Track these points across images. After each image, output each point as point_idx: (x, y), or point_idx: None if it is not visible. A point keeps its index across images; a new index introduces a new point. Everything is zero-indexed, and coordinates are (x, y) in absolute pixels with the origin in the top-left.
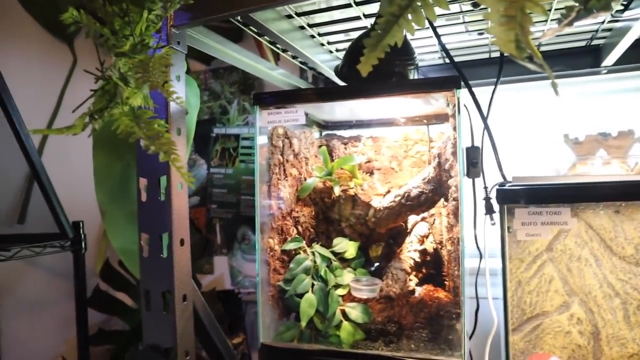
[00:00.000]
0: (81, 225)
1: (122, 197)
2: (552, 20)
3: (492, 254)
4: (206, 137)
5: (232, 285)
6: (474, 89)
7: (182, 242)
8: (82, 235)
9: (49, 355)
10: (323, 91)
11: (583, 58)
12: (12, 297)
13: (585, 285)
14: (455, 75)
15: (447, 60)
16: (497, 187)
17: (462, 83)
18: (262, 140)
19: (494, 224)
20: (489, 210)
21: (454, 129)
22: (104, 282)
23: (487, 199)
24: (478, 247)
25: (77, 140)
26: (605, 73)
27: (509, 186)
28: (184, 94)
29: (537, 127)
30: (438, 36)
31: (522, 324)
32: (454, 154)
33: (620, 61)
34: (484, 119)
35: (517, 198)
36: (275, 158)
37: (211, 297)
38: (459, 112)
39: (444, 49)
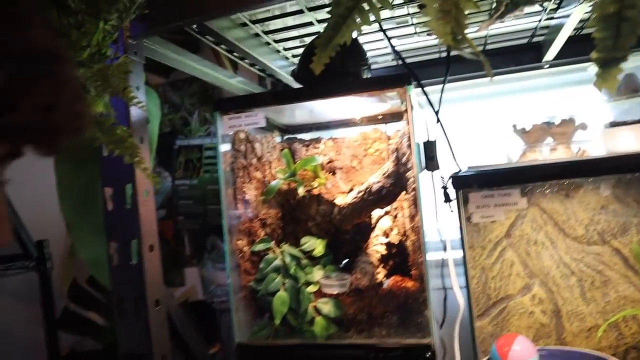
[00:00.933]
0: (45, 244)
1: (87, 209)
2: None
3: (457, 246)
4: (169, 149)
5: (205, 295)
6: (427, 88)
7: (151, 248)
8: (47, 254)
9: None
10: (280, 94)
11: (526, 54)
12: None
13: (543, 267)
14: (406, 72)
15: (400, 62)
16: (452, 175)
17: (413, 80)
18: (224, 147)
19: (452, 211)
20: (447, 198)
21: (408, 123)
22: (72, 303)
23: (445, 188)
24: (441, 239)
25: None
26: (547, 67)
27: (463, 173)
28: (144, 101)
29: (488, 120)
30: (388, 38)
31: (488, 308)
32: (410, 147)
33: (560, 56)
34: (436, 112)
35: (471, 183)
36: (239, 162)
37: (184, 309)
38: (411, 107)
39: (393, 50)
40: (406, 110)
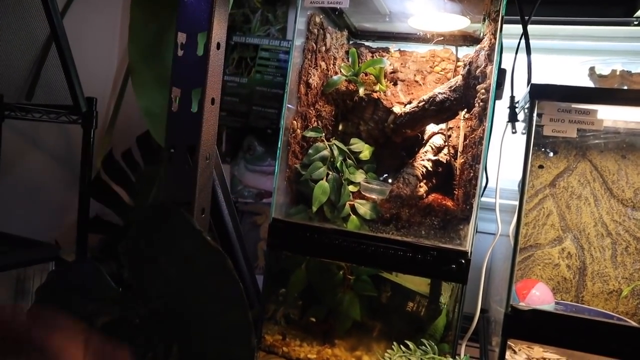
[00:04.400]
0: (94, 102)
1: (154, 57)
2: None
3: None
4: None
5: (231, 194)
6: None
7: (212, 101)
8: (95, 112)
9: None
10: None
11: (618, 8)
12: (11, 176)
13: (580, 223)
14: None
15: None
16: (531, 84)
17: None
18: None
19: (514, 132)
20: (513, 117)
21: (493, 32)
22: (104, 173)
23: (512, 108)
24: (486, 171)
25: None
26: (636, 24)
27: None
28: None
29: (564, 75)
30: None
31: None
32: (489, 57)
33: None
34: (524, 23)
35: (550, 93)
36: (309, 44)
37: None
38: (502, 15)
39: None
40: (495, 19)
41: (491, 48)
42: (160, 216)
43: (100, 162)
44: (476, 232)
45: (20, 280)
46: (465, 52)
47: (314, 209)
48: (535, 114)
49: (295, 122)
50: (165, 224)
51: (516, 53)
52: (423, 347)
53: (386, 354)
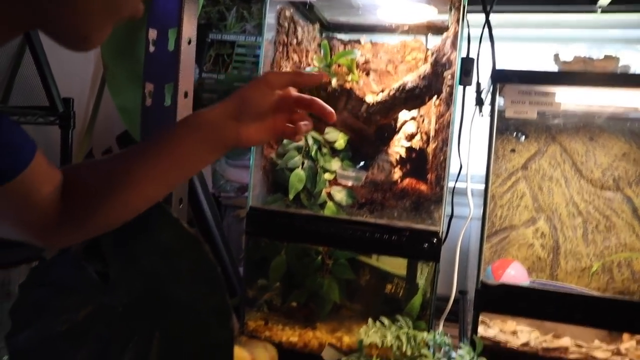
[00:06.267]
0: (72, 102)
1: (127, 54)
2: None
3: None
4: (201, 42)
5: (213, 189)
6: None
7: (185, 95)
8: (72, 113)
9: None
10: None
11: None
12: None
13: (552, 203)
14: None
15: None
16: (493, 69)
17: None
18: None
19: (482, 115)
20: (479, 101)
21: (457, 21)
22: None
23: (478, 92)
24: (459, 155)
25: None
26: (600, 12)
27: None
28: None
29: (530, 63)
30: None
31: (490, 235)
32: (453, 44)
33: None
34: (487, 14)
35: (510, 77)
36: (281, 37)
37: None
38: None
39: None
40: (458, 8)
41: (455, 36)
42: None
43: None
44: (452, 215)
45: (5, 284)
46: (436, 42)
47: (291, 196)
48: (497, 97)
49: None
50: (143, 214)
51: (480, 41)
52: (398, 323)
53: (362, 330)
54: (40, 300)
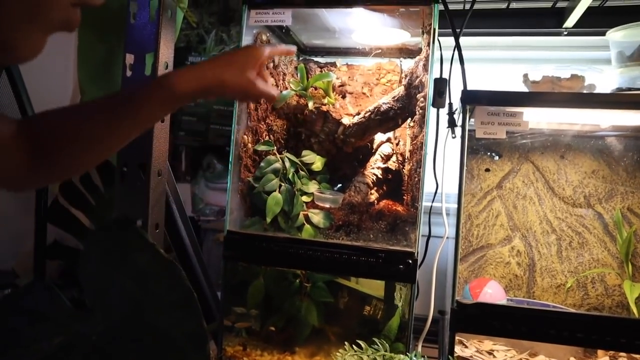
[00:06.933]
0: None
1: (104, 79)
2: None
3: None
4: (180, 65)
5: (193, 212)
6: (444, 39)
7: (162, 120)
8: None
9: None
10: None
11: (549, 19)
12: None
13: (527, 222)
14: None
15: None
16: (463, 90)
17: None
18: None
19: (454, 137)
20: (452, 123)
21: (429, 44)
22: (63, 197)
23: (451, 114)
24: (435, 176)
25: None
26: (565, 35)
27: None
28: None
29: (501, 83)
30: None
31: (467, 254)
32: (425, 67)
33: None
34: (457, 37)
35: (479, 98)
36: None
37: None
38: (435, 28)
39: None
40: (429, 31)
41: (427, 59)
42: (113, 232)
43: (58, 187)
44: (430, 235)
45: None
46: (410, 64)
47: (268, 219)
48: (467, 119)
49: (245, 136)
50: (119, 240)
51: (451, 63)
52: (374, 345)
53: (338, 354)
54: (13, 329)
